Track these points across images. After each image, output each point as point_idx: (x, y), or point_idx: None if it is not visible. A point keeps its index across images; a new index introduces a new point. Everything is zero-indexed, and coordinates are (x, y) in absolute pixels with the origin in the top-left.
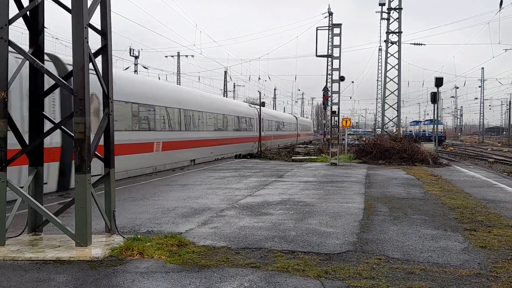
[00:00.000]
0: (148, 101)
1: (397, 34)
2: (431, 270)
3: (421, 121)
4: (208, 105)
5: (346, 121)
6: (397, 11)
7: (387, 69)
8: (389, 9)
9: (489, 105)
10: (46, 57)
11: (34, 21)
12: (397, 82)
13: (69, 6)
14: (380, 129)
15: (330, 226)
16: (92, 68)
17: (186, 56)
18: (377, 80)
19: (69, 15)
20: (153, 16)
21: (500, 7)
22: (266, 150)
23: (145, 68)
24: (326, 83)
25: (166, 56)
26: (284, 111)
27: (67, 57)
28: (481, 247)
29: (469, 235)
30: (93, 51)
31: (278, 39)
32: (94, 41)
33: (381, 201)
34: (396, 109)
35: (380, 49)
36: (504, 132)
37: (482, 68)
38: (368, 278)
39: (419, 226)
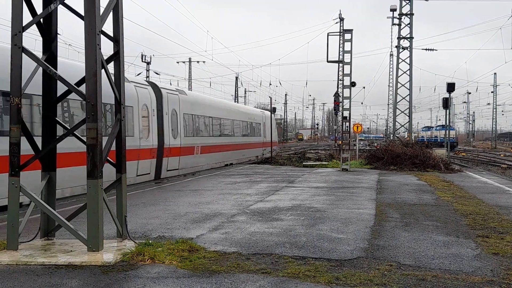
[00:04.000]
0: None
1: (409, 39)
2: (442, 276)
3: (433, 127)
4: None
5: (357, 127)
6: (409, 16)
7: (399, 75)
8: (400, 14)
9: (502, 111)
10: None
11: (48, 28)
12: (408, 88)
13: (82, 13)
14: (392, 135)
15: (341, 232)
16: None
17: (198, 62)
18: (389, 86)
19: (82, 22)
20: (165, 22)
21: None
22: (278, 155)
23: (157, 74)
24: (337, 88)
25: (177, 62)
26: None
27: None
28: (493, 254)
29: (481, 242)
30: (105, 57)
31: (289, 45)
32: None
33: (392, 207)
34: (408, 114)
35: (391, 55)
36: None
37: (495, 73)
38: (379, 284)
39: (430, 233)
